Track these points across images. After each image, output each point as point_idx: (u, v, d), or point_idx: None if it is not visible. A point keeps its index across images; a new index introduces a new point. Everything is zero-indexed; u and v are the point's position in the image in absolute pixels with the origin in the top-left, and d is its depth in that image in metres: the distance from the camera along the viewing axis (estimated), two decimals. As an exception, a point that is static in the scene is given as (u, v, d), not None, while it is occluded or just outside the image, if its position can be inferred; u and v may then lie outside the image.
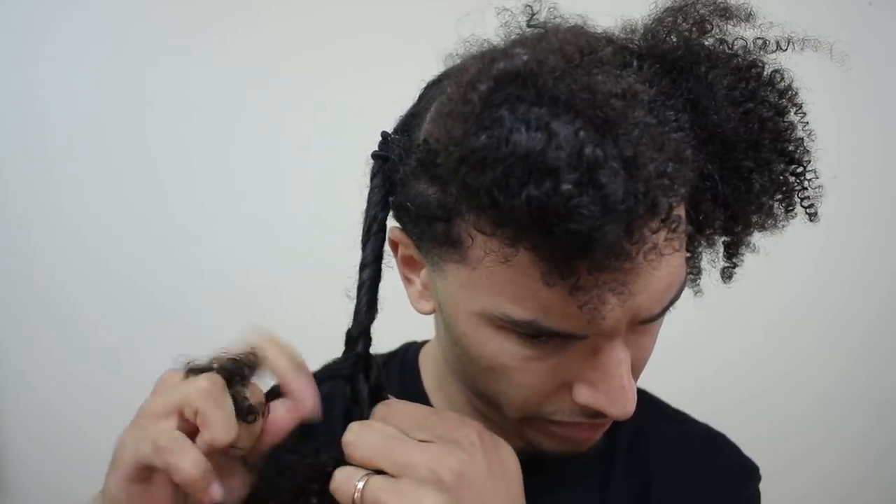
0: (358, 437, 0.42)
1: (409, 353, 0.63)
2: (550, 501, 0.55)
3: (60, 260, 1.29)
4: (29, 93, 1.27)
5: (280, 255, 1.32)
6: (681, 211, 0.43)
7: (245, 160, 1.33)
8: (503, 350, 0.43)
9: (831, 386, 1.48)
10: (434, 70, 0.50)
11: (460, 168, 0.35)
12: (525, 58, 0.35)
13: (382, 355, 0.64)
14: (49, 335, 1.30)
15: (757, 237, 0.53)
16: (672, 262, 0.41)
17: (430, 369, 0.60)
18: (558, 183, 0.33)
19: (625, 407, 0.43)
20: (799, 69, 0.49)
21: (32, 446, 1.31)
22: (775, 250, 0.56)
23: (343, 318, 0.47)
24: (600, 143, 0.34)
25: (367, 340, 0.46)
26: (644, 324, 0.43)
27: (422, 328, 0.63)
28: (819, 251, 1.41)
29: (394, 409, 0.44)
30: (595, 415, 0.45)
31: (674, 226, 0.38)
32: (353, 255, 0.46)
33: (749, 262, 0.56)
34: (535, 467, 0.56)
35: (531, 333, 0.41)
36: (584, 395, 0.43)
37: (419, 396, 0.59)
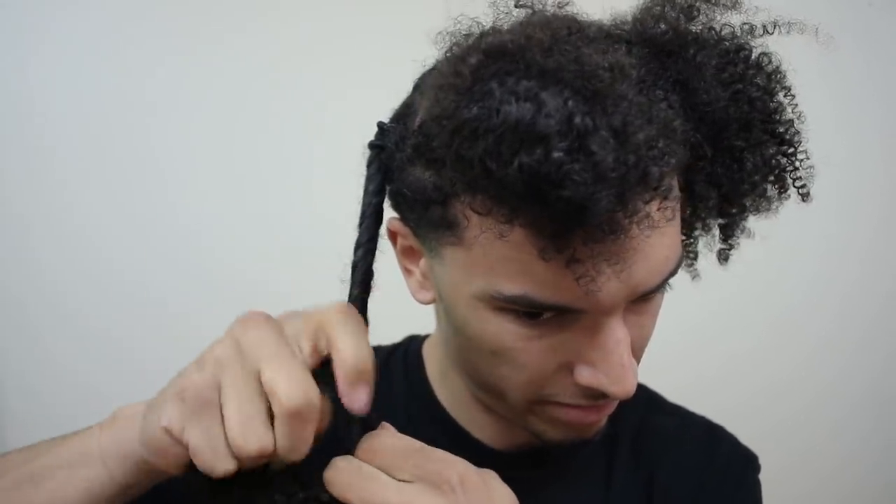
0: (336, 475, 0.41)
1: (412, 344, 0.63)
2: (556, 494, 0.56)
3: (61, 260, 1.29)
4: (29, 93, 1.27)
5: (282, 254, 1.32)
6: (673, 182, 0.43)
7: (246, 160, 1.33)
8: (503, 331, 0.43)
9: (831, 386, 1.49)
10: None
11: (454, 140, 0.36)
12: (513, 34, 0.36)
13: (386, 347, 0.64)
14: (49, 335, 1.30)
15: (754, 225, 0.54)
16: (668, 233, 0.41)
17: (433, 360, 0.60)
18: (549, 150, 0.34)
19: (625, 386, 0.42)
20: (799, 71, 0.49)
21: (33, 446, 1.31)
22: (775, 250, 0.56)
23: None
24: (589, 112, 0.34)
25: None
26: (643, 300, 0.43)
27: (423, 325, 0.63)
28: (819, 251, 1.41)
29: (379, 442, 0.42)
30: (597, 396, 0.44)
31: (666, 194, 0.39)
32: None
33: (749, 262, 0.56)
34: (540, 460, 0.56)
35: (526, 310, 0.42)
36: (585, 375, 0.43)
37: (423, 386, 0.59)
